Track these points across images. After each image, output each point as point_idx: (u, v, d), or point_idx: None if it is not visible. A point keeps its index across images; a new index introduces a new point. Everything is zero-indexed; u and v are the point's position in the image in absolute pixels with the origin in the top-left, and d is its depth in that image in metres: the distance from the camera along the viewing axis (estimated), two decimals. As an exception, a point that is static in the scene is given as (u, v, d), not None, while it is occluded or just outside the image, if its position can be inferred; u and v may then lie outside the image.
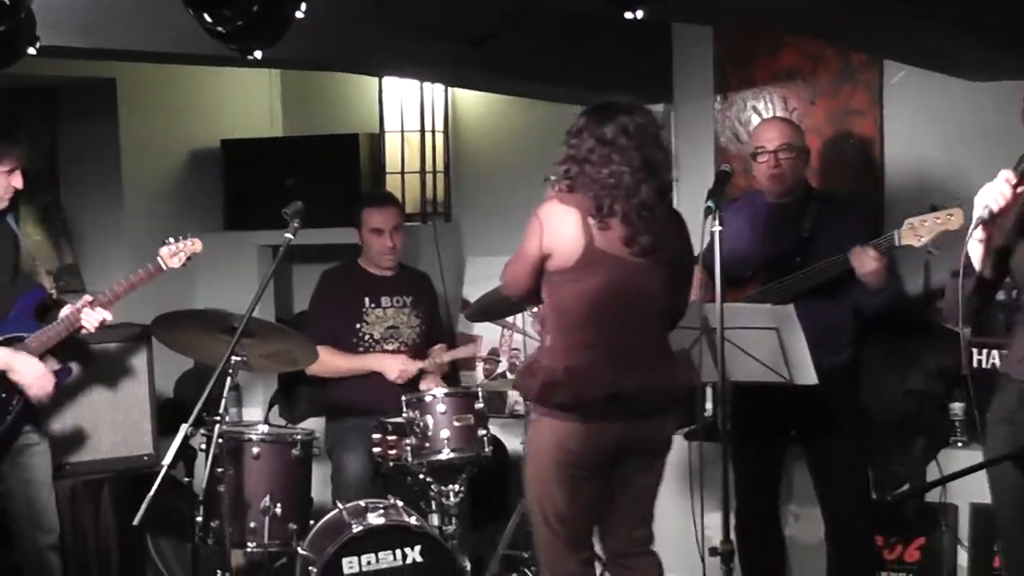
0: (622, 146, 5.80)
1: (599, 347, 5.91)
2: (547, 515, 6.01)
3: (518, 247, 6.00)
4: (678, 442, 8.00)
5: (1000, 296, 5.93)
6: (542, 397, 5.91)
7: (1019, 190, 5.15)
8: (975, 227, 5.14)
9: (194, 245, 7.01)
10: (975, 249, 5.25)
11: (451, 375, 8.29)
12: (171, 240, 6.97)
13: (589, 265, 5.83)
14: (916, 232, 6.50)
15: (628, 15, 4.51)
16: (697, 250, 6.25)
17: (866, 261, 6.86)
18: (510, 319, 7.63)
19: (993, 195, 5.10)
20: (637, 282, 5.91)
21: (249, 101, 9.46)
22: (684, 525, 7.45)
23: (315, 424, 8.05)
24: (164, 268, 6.94)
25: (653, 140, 5.90)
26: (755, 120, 8.18)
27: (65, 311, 6.78)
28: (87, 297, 6.82)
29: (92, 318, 6.77)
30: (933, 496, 7.40)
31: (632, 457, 6.15)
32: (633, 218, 5.81)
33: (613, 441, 6.01)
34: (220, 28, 5.38)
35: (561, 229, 5.83)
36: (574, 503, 6.00)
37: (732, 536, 6.24)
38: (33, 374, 6.65)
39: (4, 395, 6.68)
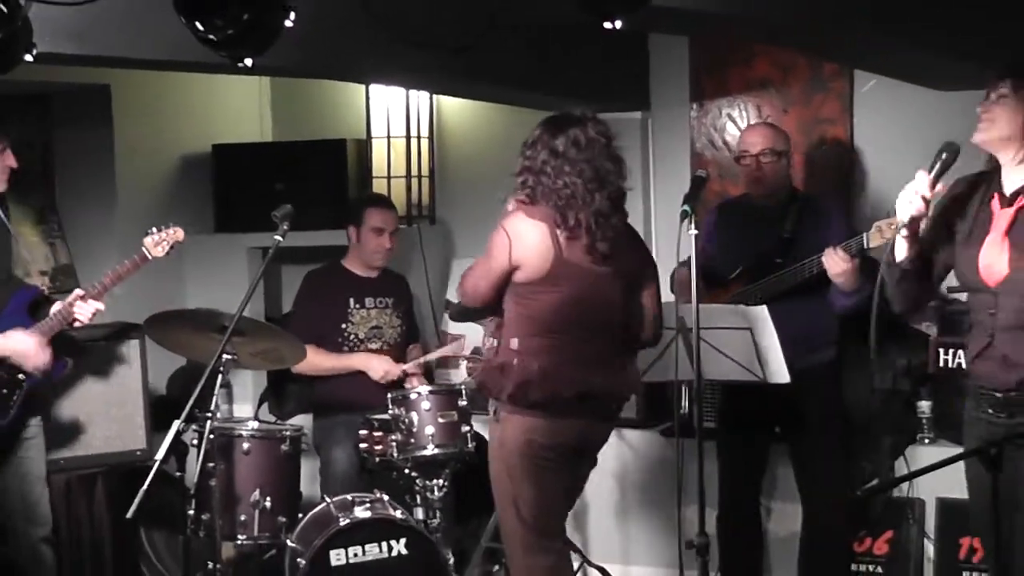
0: (572, 158, 5.89)
1: (568, 350, 5.97)
2: (519, 509, 6.03)
3: (480, 260, 6.03)
4: (657, 439, 8.05)
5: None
6: (516, 396, 5.92)
7: (937, 188, 5.26)
8: (898, 232, 5.31)
9: (176, 234, 7.00)
10: (900, 245, 5.39)
11: (426, 373, 8.30)
12: (154, 230, 6.96)
13: (558, 277, 5.91)
14: (883, 234, 6.50)
15: (606, 25, 4.51)
16: (674, 252, 6.27)
17: (836, 263, 6.88)
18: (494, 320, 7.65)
19: (905, 204, 5.24)
20: (599, 290, 5.99)
21: (239, 107, 9.45)
22: (662, 519, 7.49)
23: (303, 420, 8.05)
24: (149, 257, 6.93)
25: (604, 151, 5.96)
26: (730, 127, 8.21)
27: (57, 306, 6.76)
28: (78, 291, 6.80)
29: (85, 310, 6.76)
30: (901, 491, 7.42)
31: (589, 452, 6.25)
32: (591, 227, 5.88)
33: (576, 437, 6.09)
34: (211, 36, 5.37)
35: (530, 243, 5.89)
36: (542, 496, 6.04)
37: (708, 529, 6.24)
38: (27, 347, 6.63)
39: (5, 390, 6.68)
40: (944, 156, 5.31)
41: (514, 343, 5.95)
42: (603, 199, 5.89)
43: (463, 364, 8.68)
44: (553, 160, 5.89)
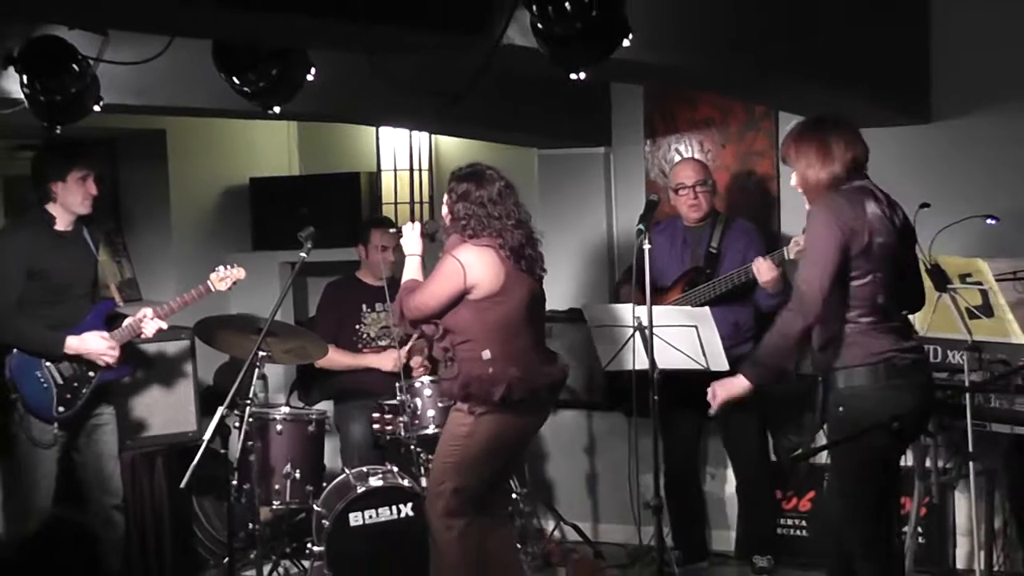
0: (501, 203, 6.02)
1: (530, 350, 6.03)
2: (461, 487, 6.02)
3: (426, 284, 6.06)
4: (619, 419, 8.04)
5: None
6: (505, 399, 5.91)
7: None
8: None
9: (239, 272, 7.00)
10: None
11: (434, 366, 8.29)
12: (221, 268, 6.96)
13: (510, 287, 5.97)
14: (800, 248, 6.53)
15: (573, 76, 4.51)
16: (632, 263, 6.30)
17: (766, 271, 6.94)
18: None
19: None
20: (536, 295, 6.09)
21: (271, 146, 9.44)
22: (622, 485, 7.47)
23: (326, 406, 8.04)
24: (212, 290, 6.94)
25: (515, 197, 6.13)
26: (677, 159, 8.20)
27: (129, 320, 6.77)
28: (147, 311, 6.79)
29: (151, 327, 6.76)
30: (820, 458, 7.42)
31: (531, 439, 6.39)
32: (521, 248, 6.01)
33: (533, 429, 6.23)
34: (246, 88, 5.41)
35: (484, 265, 5.96)
36: (488, 477, 6.07)
37: (661, 493, 6.24)
38: (97, 346, 6.62)
39: (76, 383, 6.67)
40: None
41: (486, 354, 5.93)
42: (523, 229, 6.04)
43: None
44: (491, 205, 5.99)
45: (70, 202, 6.61)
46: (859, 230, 5.26)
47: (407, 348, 7.60)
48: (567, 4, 4.18)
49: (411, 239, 6.27)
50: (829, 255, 5.23)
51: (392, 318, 7.37)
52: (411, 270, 6.20)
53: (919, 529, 7.04)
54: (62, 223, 6.66)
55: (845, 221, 5.25)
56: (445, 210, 6.14)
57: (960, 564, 7.14)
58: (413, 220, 8.30)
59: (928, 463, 6.59)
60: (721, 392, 5.61)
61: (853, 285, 5.28)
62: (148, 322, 6.75)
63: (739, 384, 5.57)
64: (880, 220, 5.31)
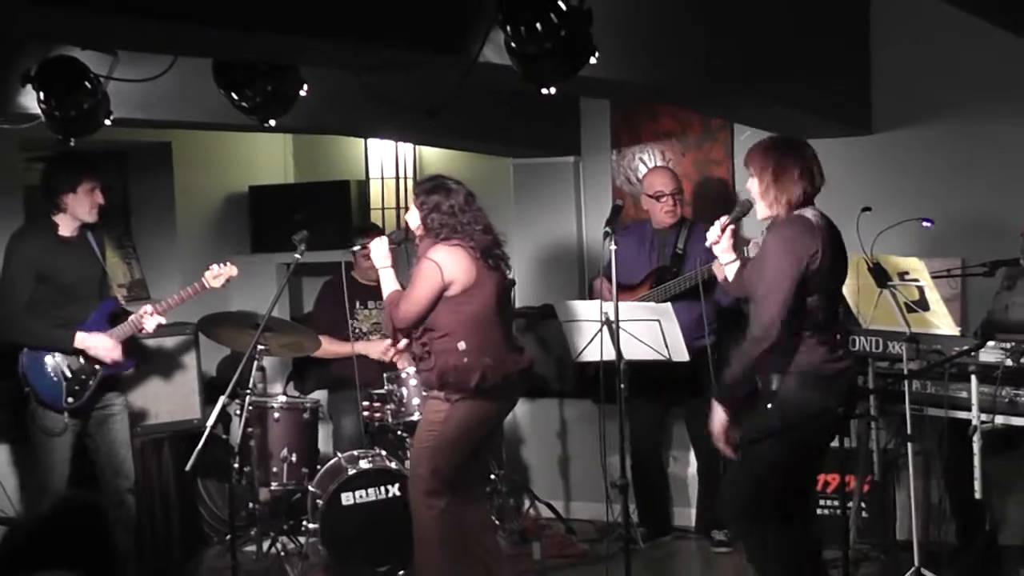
0: (468, 209, 6.05)
1: (501, 340, 6.03)
2: (438, 468, 6.01)
3: (407, 293, 6.04)
4: (587, 406, 8.05)
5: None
6: (480, 386, 5.91)
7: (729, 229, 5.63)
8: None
9: (231, 270, 6.99)
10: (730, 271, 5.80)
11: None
12: (214, 266, 6.95)
13: (482, 281, 5.97)
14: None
15: (543, 91, 4.52)
16: (599, 262, 6.31)
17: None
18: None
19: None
20: (505, 291, 6.14)
21: (269, 157, 9.43)
22: (592, 467, 7.50)
23: (320, 395, 8.04)
24: (207, 287, 6.91)
25: (478, 205, 6.15)
26: (642, 168, 8.20)
27: (131, 317, 6.77)
28: (147, 308, 6.79)
29: (151, 322, 6.75)
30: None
31: (502, 423, 6.40)
32: (490, 249, 6.03)
33: (503, 414, 6.24)
34: (244, 104, 5.39)
35: (457, 262, 5.96)
36: (463, 459, 6.04)
37: (628, 474, 6.25)
38: (103, 345, 6.63)
39: (84, 376, 6.67)
40: (738, 209, 5.69)
41: (461, 345, 5.92)
42: (490, 233, 6.06)
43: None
44: (462, 212, 6.00)
45: (79, 211, 6.61)
46: (813, 256, 5.27)
47: (398, 347, 7.61)
48: (538, 25, 4.18)
49: (380, 252, 6.25)
50: (786, 284, 5.23)
51: (385, 330, 7.38)
52: (388, 282, 6.19)
53: (863, 504, 7.06)
54: (69, 230, 6.66)
55: (803, 249, 5.26)
56: (416, 221, 6.12)
57: (900, 536, 7.16)
58: (399, 223, 8.32)
59: (871, 444, 6.61)
60: (720, 434, 5.61)
61: (804, 303, 5.31)
62: (148, 318, 6.75)
63: (720, 418, 5.56)
64: (827, 245, 5.33)
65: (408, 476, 6.50)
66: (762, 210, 5.47)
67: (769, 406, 5.42)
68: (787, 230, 5.33)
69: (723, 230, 5.63)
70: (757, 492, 5.41)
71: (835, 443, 5.46)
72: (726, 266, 5.78)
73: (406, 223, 6.27)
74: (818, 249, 5.28)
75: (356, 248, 6.88)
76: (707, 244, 5.75)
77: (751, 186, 5.50)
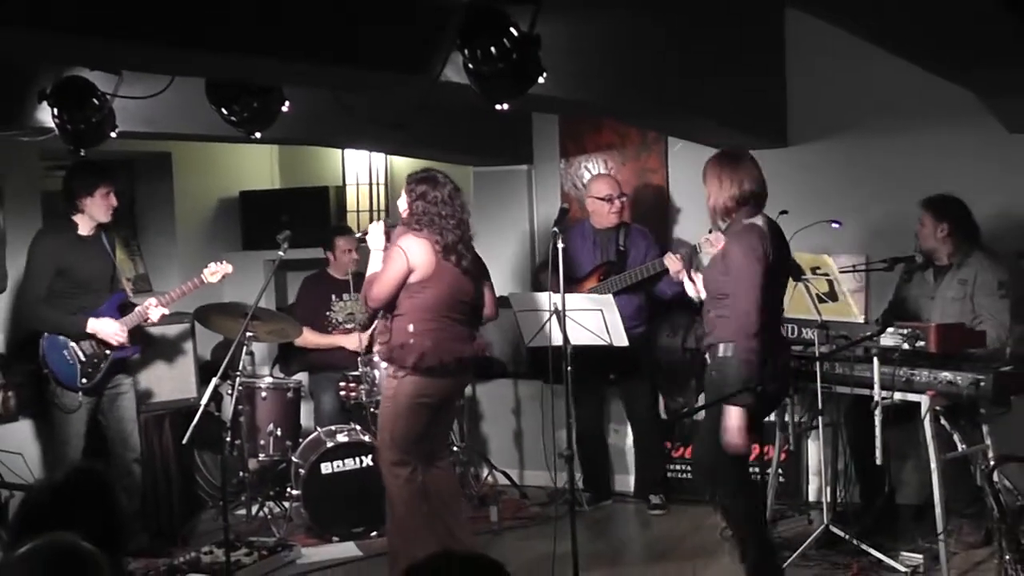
0: (450, 203, 5.99)
1: (447, 330, 5.98)
2: (396, 439, 5.99)
3: (379, 275, 5.99)
4: (538, 385, 8.07)
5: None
6: (417, 365, 5.89)
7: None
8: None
9: (227, 267, 7.00)
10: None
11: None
12: (212, 264, 6.96)
13: (439, 275, 5.94)
14: (711, 244, 6.55)
15: (497, 108, 4.53)
16: (548, 260, 6.31)
17: (675, 263, 6.99)
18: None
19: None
20: (461, 286, 6.03)
21: (257, 165, 9.40)
22: (543, 439, 7.52)
23: (303, 376, 8.04)
24: (205, 282, 6.93)
25: (462, 200, 6.11)
26: (586, 175, 8.21)
27: (138, 308, 6.80)
28: (151, 300, 6.84)
29: (155, 313, 6.80)
30: (702, 414, 7.47)
31: (450, 402, 6.27)
32: (457, 244, 5.98)
33: (449, 390, 6.12)
34: (233, 118, 5.40)
35: (421, 252, 5.93)
36: (416, 430, 6.00)
37: (573, 445, 6.27)
38: (111, 329, 6.67)
39: (96, 360, 6.68)
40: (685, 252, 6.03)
41: (410, 327, 5.90)
42: (463, 229, 6.03)
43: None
44: (441, 205, 5.96)
45: (96, 212, 6.66)
46: (768, 254, 5.38)
47: (369, 332, 7.60)
48: (492, 49, 4.19)
49: (376, 235, 6.20)
50: (756, 281, 5.33)
51: (360, 304, 7.37)
52: (375, 263, 6.11)
53: (780, 470, 7.11)
54: (86, 229, 6.71)
55: (762, 249, 5.37)
56: (404, 205, 6.10)
57: (811, 498, 7.28)
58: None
59: (787, 418, 6.66)
60: (735, 437, 5.37)
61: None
62: (153, 309, 6.80)
63: (736, 421, 5.35)
64: (774, 247, 5.45)
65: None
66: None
67: (714, 373, 5.46)
68: (745, 239, 5.42)
69: (684, 275, 5.96)
70: (721, 452, 5.45)
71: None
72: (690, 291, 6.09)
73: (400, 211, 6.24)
74: (770, 250, 5.39)
75: (357, 234, 6.83)
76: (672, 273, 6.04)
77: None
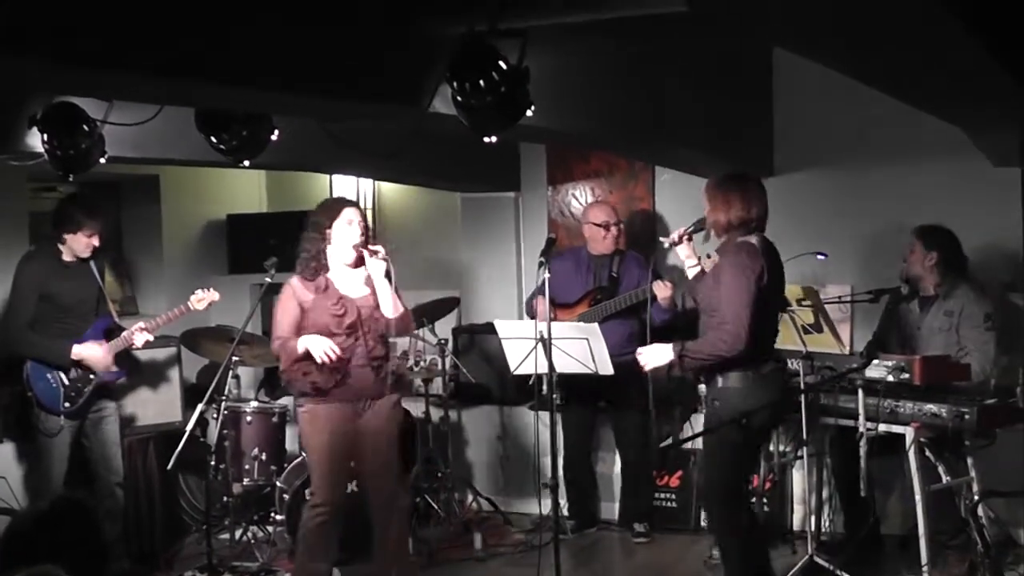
0: (309, 235, 6.11)
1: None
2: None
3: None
4: (524, 412, 8.08)
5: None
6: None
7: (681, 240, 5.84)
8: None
9: (213, 295, 7.00)
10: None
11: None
12: (199, 291, 6.97)
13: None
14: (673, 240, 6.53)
15: (485, 139, 4.55)
16: (534, 288, 6.31)
17: (663, 289, 6.99)
18: (418, 332, 7.62)
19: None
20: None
21: (245, 189, 9.40)
22: (527, 467, 7.51)
23: (287, 401, 8.02)
24: (192, 309, 6.93)
25: (316, 228, 6.11)
26: (574, 203, 8.23)
27: (124, 333, 6.81)
28: (138, 325, 6.84)
29: (140, 338, 6.80)
30: (689, 445, 7.48)
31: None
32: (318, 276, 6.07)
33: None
34: (221, 145, 5.41)
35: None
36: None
37: (559, 473, 6.27)
38: (97, 356, 6.68)
39: (80, 384, 6.68)
40: (697, 223, 5.78)
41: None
42: (316, 260, 6.07)
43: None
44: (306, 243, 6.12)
45: (76, 248, 6.74)
46: (760, 274, 5.43)
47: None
48: (481, 82, 4.21)
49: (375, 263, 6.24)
50: (746, 299, 5.38)
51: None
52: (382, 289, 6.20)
53: (764, 499, 7.13)
54: (70, 256, 6.73)
55: (753, 269, 5.43)
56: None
57: (796, 526, 7.27)
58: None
59: (771, 448, 6.68)
60: (650, 359, 5.68)
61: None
62: (138, 334, 6.81)
63: (665, 354, 5.61)
64: (769, 266, 5.50)
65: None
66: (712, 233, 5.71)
67: (716, 402, 5.50)
68: (737, 256, 5.48)
69: (680, 238, 5.84)
70: (723, 480, 5.48)
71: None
72: (688, 269, 5.96)
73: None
74: (763, 271, 5.43)
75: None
76: (665, 246, 5.98)
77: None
